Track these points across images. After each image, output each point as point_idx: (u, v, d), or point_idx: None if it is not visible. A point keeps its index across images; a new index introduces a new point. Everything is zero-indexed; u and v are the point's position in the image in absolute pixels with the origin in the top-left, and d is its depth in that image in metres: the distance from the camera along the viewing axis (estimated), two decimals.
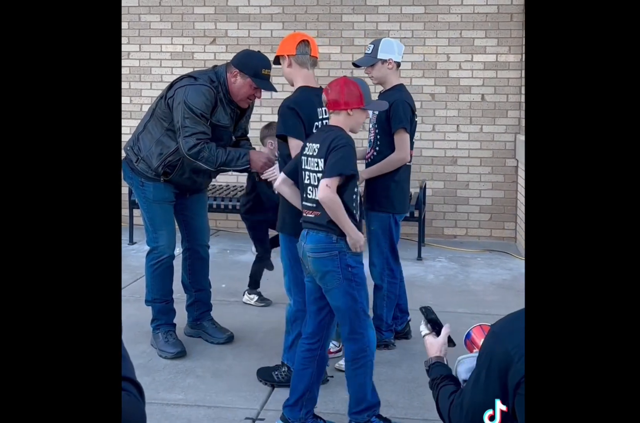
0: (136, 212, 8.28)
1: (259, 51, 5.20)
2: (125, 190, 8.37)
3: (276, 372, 4.67)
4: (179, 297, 5.44)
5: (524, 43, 8.35)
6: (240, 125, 5.25)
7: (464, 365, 2.77)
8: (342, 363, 4.97)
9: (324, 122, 4.44)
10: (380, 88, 5.51)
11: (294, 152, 4.36)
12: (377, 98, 5.33)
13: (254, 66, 4.95)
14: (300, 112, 4.40)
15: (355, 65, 5.51)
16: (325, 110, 4.44)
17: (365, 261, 5.31)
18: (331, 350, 5.10)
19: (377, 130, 5.24)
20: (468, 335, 2.99)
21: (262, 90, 5.02)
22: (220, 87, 4.96)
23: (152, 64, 9.13)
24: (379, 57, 5.24)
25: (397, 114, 5.16)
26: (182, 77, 5.08)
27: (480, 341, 2.85)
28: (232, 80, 4.96)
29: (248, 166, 4.91)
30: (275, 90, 5.11)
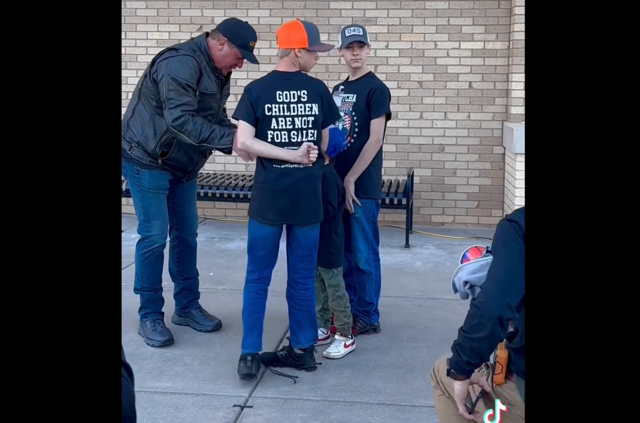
0: (123, 200, 8.26)
1: (246, 22, 5.15)
2: None
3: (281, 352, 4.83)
4: (166, 285, 5.44)
5: (511, 30, 8.36)
6: (224, 92, 5.23)
7: (465, 270, 2.88)
8: (330, 350, 4.99)
9: (290, 106, 4.46)
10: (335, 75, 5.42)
11: (239, 133, 4.53)
12: (347, 87, 5.30)
13: (244, 37, 4.93)
14: (250, 95, 4.49)
15: (362, 42, 5.18)
16: (292, 94, 4.44)
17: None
18: (319, 338, 5.12)
19: (355, 118, 5.19)
20: (464, 256, 3.04)
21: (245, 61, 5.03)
22: (203, 55, 4.94)
23: (138, 52, 9.09)
24: (368, 41, 5.21)
25: (379, 100, 5.16)
26: (162, 52, 5.05)
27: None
28: (218, 48, 4.94)
29: (230, 146, 4.83)
30: (257, 63, 5.10)
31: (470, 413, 2.65)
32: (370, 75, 5.31)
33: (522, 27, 8.17)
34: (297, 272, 4.72)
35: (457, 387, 2.65)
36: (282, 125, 4.46)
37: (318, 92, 4.55)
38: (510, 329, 2.74)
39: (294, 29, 4.52)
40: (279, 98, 4.45)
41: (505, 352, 2.69)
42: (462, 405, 2.66)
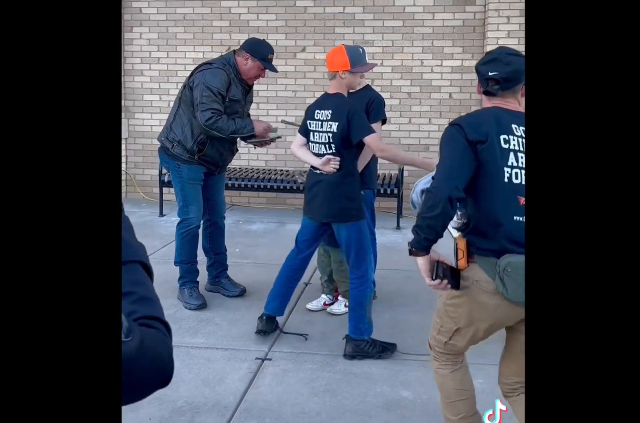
0: (165, 189, 8.24)
1: (264, 39, 5.20)
2: (155, 172, 8.37)
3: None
4: (200, 259, 5.40)
5: (484, 51, 8.29)
6: (247, 99, 5.23)
7: (420, 184, 2.89)
8: (333, 308, 5.00)
9: (322, 123, 4.34)
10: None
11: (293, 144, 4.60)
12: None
13: (263, 52, 5.00)
14: (305, 112, 4.55)
15: None
16: (324, 113, 4.34)
17: None
18: (325, 303, 5.10)
19: None
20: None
21: (267, 70, 5.09)
22: (231, 68, 4.99)
23: (177, 68, 9.04)
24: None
25: (376, 108, 5.09)
26: (199, 66, 5.13)
27: None
28: (243, 63, 4.99)
29: (253, 132, 4.98)
30: (277, 71, 5.22)
31: (433, 279, 2.70)
32: (368, 88, 5.25)
33: (494, 47, 8.09)
34: (348, 261, 4.51)
35: (420, 261, 2.71)
36: (316, 139, 4.39)
37: (342, 113, 4.28)
38: (464, 220, 2.77)
39: (337, 54, 4.38)
40: (316, 116, 4.38)
41: (463, 240, 2.71)
42: (427, 277, 2.71)
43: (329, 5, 8.71)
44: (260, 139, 5.13)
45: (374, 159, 5.19)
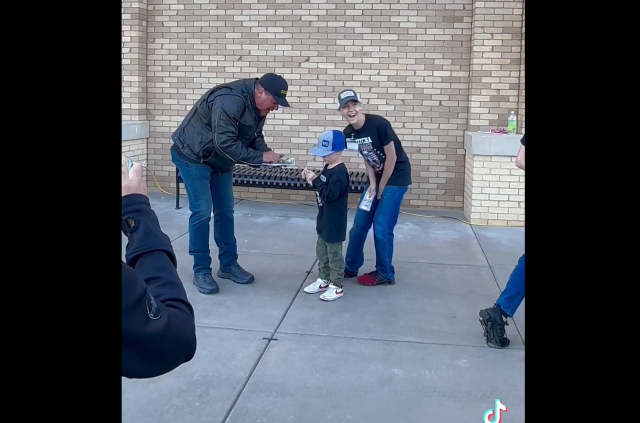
0: (180, 185, 8.26)
1: (280, 75, 5.16)
2: (173, 168, 8.39)
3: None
4: (212, 248, 5.42)
5: (470, 63, 8.30)
6: (259, 125, 5.24)
7: None
8: (325, 295, 5.02)
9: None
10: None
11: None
12: (357, 134, 5.26)
13: (276, 87, 4.94)
14: None
15: (355, 100, 5.22)
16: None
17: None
18: (321, 286, 5.13)
19: (378, 152, 5.26)
20: None
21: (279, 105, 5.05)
22: (249, 96, 4.96)
23: (194, 75, 9.03)
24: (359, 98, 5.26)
25: (386, 132, 5.21)
26: (220, 87, 5.07)
27: None
28: (258, 95, 4.96)
29: (260, 164, 5.04)
30: (289, 106, 5.11)
31: None
32: (369, 117, 5.31)
33: (479, 60, 8.15)
34: None
35: None
36: None
37: None
38: None
39: None
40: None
41: None
42: None
43: (331, 20, 8.72)
44: (269, 165, 5.09)
45: (405, 166, 5.44)
